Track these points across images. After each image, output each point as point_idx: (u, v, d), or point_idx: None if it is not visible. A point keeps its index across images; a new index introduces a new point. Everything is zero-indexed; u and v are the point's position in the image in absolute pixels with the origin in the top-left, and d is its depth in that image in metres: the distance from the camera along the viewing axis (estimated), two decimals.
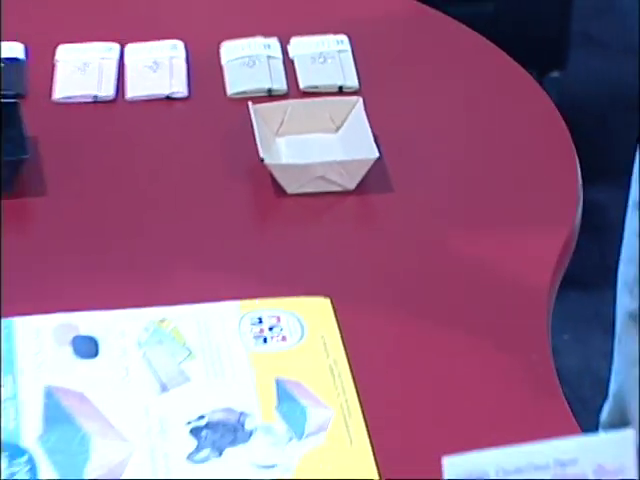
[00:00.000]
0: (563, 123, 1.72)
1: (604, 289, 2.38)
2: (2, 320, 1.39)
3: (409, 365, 1.39)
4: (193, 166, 1.67)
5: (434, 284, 1.50)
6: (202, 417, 1.30)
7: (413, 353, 1.41)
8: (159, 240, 1.56)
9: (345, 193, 1.58)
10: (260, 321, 1.40)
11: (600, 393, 2.31)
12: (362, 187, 1.58)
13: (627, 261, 2.14)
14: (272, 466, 1.24)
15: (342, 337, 1.38)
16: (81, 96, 1.77)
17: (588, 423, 2.20)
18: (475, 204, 1.62)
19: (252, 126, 1.61)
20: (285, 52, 1.83)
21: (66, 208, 1.59)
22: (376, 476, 1.23)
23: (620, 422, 2.19)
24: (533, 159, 1.69)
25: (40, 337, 1.39)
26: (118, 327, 1.41)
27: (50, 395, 1.31)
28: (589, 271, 2.25)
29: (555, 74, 3.06)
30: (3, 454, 1.24)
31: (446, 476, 0.94)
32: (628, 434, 0.99)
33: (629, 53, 3.29)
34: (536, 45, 2.85)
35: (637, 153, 2.06)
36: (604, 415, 2.26)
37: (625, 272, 2.17)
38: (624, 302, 2.15)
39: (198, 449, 1.27)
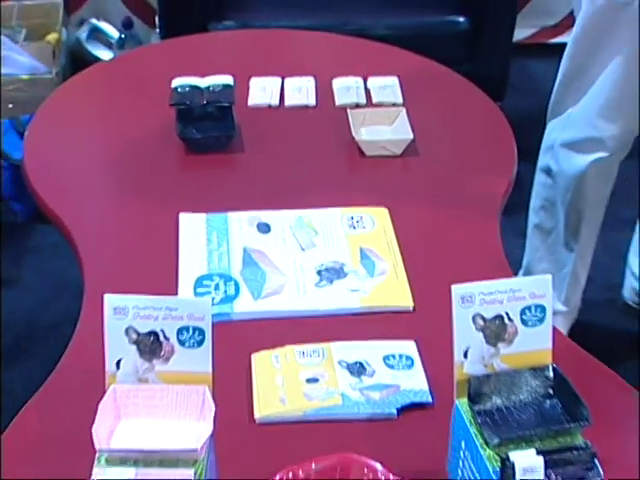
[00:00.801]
0: (507, 124, 1.80)
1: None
2: (220, 214, 1.52)
3: (424, 243, 1.51)
4: (318, 141, 1.77)
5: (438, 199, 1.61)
6: (322, 264, 1.44)
7: (425, 234, 1.53)
8: (299, 181, 1.67)
9: (395, 156, 1.70)
10: (352, 218, 1.53)
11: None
12: (404, 153, 1.70)
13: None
14: (357, 290, 1.39)
15: (394, 228, 1.51)
16: (262, 104, 1.88)
17: None
18: (456, 164, 1.71)
19: (349, 121, 1.74)
20: (365, 83, 1.93)
21: (254, 161, 1.71)
22: (411, 303, 1.36)
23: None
24: (495, 142, 1.77)
25: (242, 223, 1.52)
26: (281, 218, 1.54)
27: (246, 251, 1.46)
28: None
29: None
30: (221, 281, 1.39)
31: (454, 304, 1.00)
32: (547, 276, 1.03)
33: None
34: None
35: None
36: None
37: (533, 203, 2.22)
38: (532, 218, 2.21)
39: (320, 280, 1.41)
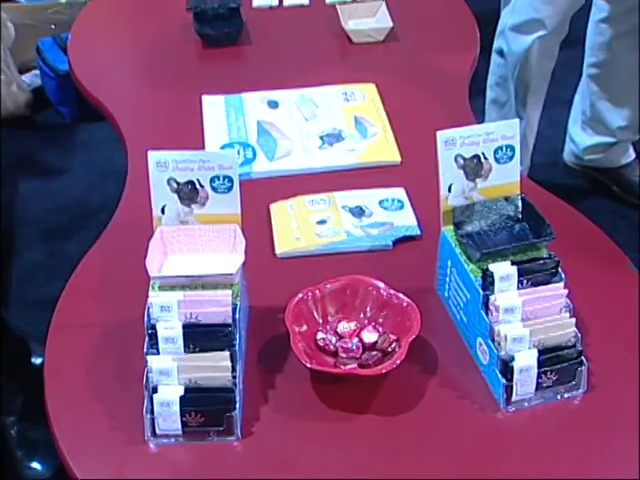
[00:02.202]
0: (471, 14, 1.74)
1: None
2: (235, 95, 1.47)
3: (407, 110, 1.45)
4: (313, 33, 1.70)
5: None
6: (323, 131, 1.40)
7: (407, 103, 1.47)
8: (300, 66, 1.60)
9: (378, 42, 1.64)
10: (345, 93, 1.49)
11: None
12: (386, 39, 1.65)
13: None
14: (353, 150, 1.36)
15: (381, 99, 1.47)
16: (264, 5, 1.78)
17: None
18: (430, 46, 1.65)
19: (338, 15, 1.67)
20: None
21: (261, 51, 1.65)
22: (399, 158, 1.33)
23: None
24: (461, 28, 1.71)
25: (255, 101, 1.48)
26: (286, 96, 1.49)
27: (259, 123, 1.43)
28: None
29: None
30: (240, 147, 1.35)
31: (439, 147, 0.98)
32: (515, 121, 1.01)
33: None
34: None
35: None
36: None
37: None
38: (489, 94, 2.16)
39: (322, 144, 1.38)
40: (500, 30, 2.05)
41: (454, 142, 1.00)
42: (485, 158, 1.02)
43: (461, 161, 1.01)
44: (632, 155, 2.29)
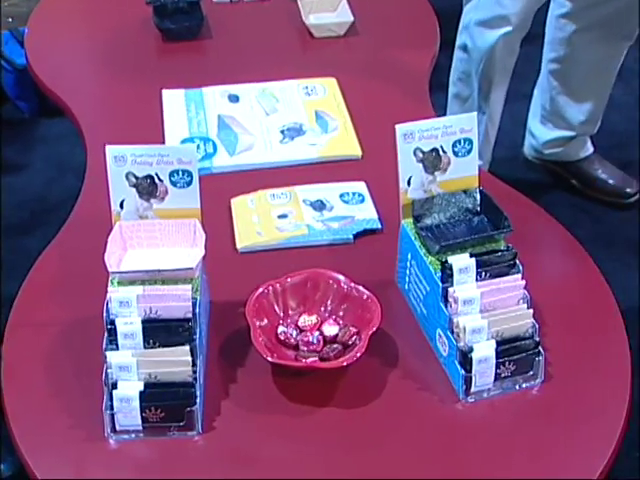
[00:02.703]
0: (432, 10, 1.75)
1: None
2: (196, 90, 1.46)
3: (367, 105, 1.45)
4: (274, 28, 1.69)
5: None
6: (284, 125, 1.39)
7: (367, 98, 1.47)
8: (261, 60, 1.59)
9: (339, 37, 1.65)
10: (307, 87, 1.48)
11: None
12: (347, 34, 1.65)
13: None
14: (314, 144, 1.36)
15: (342, 94, 1.47)
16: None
17: None
18: (390, 41, 1.65)
19: (299, 9, 1.66)
20: None
21: (221, 45, 1.64)
22: (359, 152, 1.33)
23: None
24: (421, 24, 1.72)
25: (215, 95, 1.47)
26: (247, 90, 1.49)
27: (220, 118, 1.42)
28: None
29: None
30: (201, 142, 1.34)
31: (398, 141, 0.98)
32: (472, 114, 1.03)
33: None
34: None
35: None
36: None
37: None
38: (451, 89, 2.17)
39: (283, 138, 1.38)
40: (464, 26, 2.05)
41: (413, 135, 1.01)
42: (444, 151, 1.03)
43: (420, 154, 1.02)
44: (590, 149, 2.31)
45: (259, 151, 1.33)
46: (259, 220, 1.19)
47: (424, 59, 1.58)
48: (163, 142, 1.34)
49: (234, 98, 1.46)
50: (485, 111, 2.09)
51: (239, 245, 1.17)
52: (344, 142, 1.35)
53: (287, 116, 1.41)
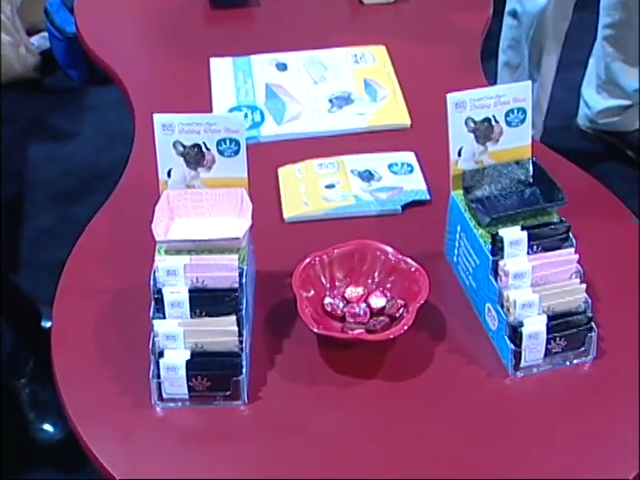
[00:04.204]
0: None
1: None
2: (244, 57, 1.46)
3: (418, 73, 1.43)
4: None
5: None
6: (333, 94, 1.38)
7: (418, 65, 1.44)
8: (309, 27, 1.59)
9: (389, 3, 1.62)
10: (355, 55, 1.47)
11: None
12: (397, 1, 1.62)
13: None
14: (363, 113, 1.34)
15: (392, 62, 1.45)
16: None
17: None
18: (441, 7, 1.62)
19: None
20: None
21: (270, 13, 1.64)
22: (409, 121, 1.32)
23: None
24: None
25: (263, 64, 1.46)
26: (295, 58, 1.47)
27: (268, 86, 1.41)
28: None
29: None
30: (248, 110, 1.34)
31: (449, 110, 0.96)
32: (527, 83, 1.00)
33: None
34: None
35: None
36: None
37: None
38: (501, 57, 2.12)
39: (332, 107, 1.35)
40: None
41: (464, 105, 0.98)
42: (496, 121, 1.00)
43: (471, 124, 1.00)
44: None
45: (307, 120, 1.32)
46: (306, 190, 1.18)
47: (476, 25, 1.54)
48: (211, 111, 1.34)
49: (282, 66, 1.44)
50: (536, 79, 2.05)
51: (286, 215, 1.16)
52: (393, 111, 1.33)
53: (335, 84, 1.40)
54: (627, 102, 2.19)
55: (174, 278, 0.93)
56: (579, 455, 0.87)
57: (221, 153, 0.98)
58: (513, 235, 0.95)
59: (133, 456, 0.89)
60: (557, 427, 0.90)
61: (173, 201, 1.00)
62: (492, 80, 2.24)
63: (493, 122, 1.00)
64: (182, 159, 0.99)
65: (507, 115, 1.00)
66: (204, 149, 0.98)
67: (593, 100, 2.26)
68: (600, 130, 2.30)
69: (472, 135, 1.00)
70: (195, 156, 0.99)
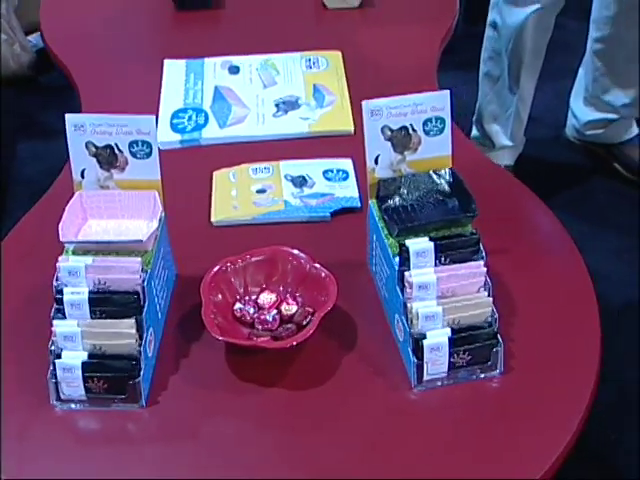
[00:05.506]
0: None
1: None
2: (198, 60, 1.45)
3: (370, 80, 1.42)
4: (288, 2, 1.67)
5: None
6: (281, 98, 1.38)
7: (371, 72, 1.42)
8: (269, 31, 1.58)
9: (353, 8, 1.62)
10: (309, 60, 1.46)
11: None
12: (362, 6, 1.62)
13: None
14: (307, 118, 1.33)
15: (345, 68, 1.43)
16: None
17: None
18: (405, 15, 1.62)
19: None
20: None
21: (232, 15, 1.64)
22: (352, 128, 1.30)
23: None
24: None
25: (216, 66, 1.46)
26: (249, 61, 1.46)
27: (216, 89, 1.41)
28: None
29: None
30: (193, 113, 1.33)
31: (364, 117, 0.95)
32: (445, 92, 0.98)
33: None
34: None
35: None
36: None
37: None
38: (482, 68, 2.11)
39: (277, 111, 1.36)
40: (493, 2, 1.99)
41: (381, 112, 0.97)
42: (414, 130, 0.99)
43: (388, 132, 0.98)
44: (635, 131, 2.24)
45: (250, 124, 1.31)
46: (237, 194, 1.18)
47: (436, 35, 1.52)
48: (157, 112, 1.34)
49: (234, 69, 1.44)
50: (515, 91, 2.03)
51: (213, 219, 1.16)
52: (338, 117, 1.32)
53: (285, 89, 1.39)
54: (614, 116, 2.16)
55: (76, 279, 0.93)
56: (477, 470, 0.86)
57: (133, 155, 0.98)
58: (420, 246, 0.94)
59: (26, 456, 0.89)
60: (456, 441, 0.89)
61: (87, 202, 1.01)
62: (475, 89, 2.23)
63: (411, 131, 0.99)
64: (95, 160, 0.99)
65: (425, 124, 0.99)
66: (117, 150, 0.98)
67: (580, 111, 2.24)
68: (586, 141, 2.28)
69: (389, 143, 0.99)
70: (108, 157, 0.99)
